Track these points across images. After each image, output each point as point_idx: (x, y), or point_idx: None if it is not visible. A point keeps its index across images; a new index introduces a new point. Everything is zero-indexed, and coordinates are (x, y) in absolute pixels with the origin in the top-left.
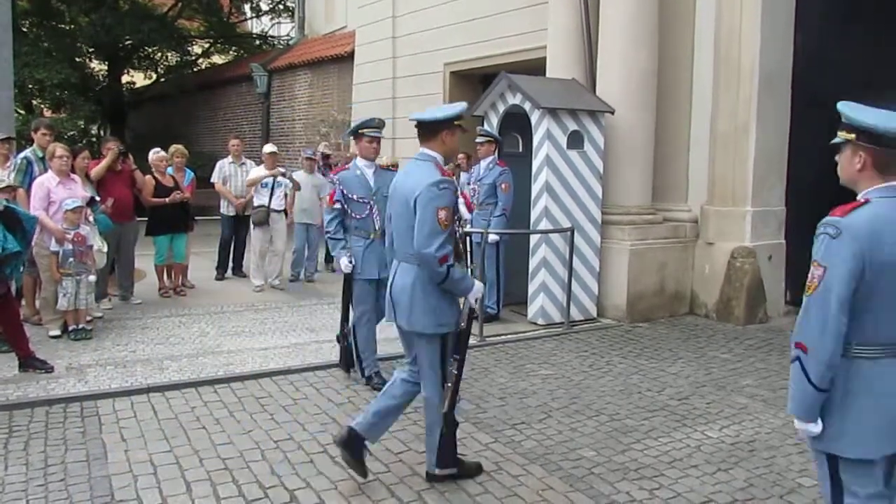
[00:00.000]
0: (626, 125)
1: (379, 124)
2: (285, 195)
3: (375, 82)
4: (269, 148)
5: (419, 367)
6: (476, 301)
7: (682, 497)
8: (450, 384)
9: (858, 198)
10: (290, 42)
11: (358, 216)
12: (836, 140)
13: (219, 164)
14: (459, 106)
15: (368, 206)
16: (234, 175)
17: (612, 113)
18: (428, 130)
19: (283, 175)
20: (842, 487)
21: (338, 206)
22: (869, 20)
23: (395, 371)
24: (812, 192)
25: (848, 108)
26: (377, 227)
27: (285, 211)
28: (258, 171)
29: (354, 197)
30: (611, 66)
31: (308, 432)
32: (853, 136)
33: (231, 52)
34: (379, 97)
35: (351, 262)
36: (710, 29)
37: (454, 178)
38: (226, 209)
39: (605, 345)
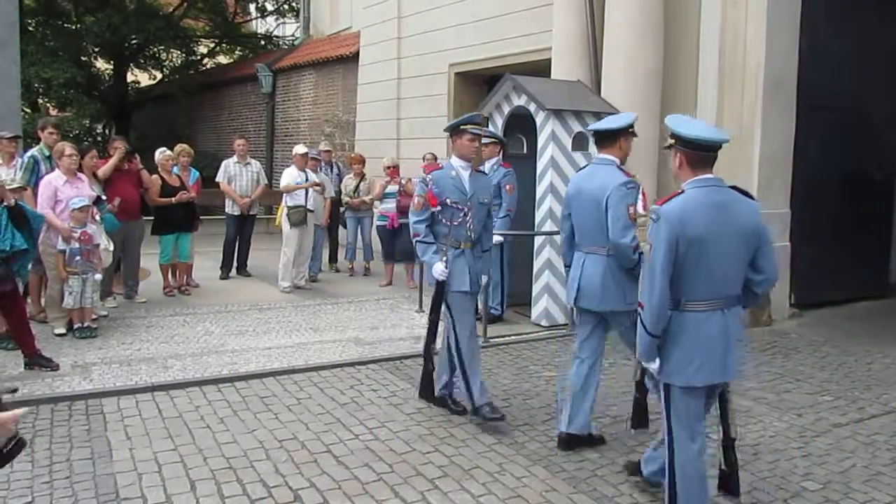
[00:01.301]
0: None
1: (482, 121)
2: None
3: (380, 83)
4: (300, 149)
5: (624, 339)
6: None
7: None
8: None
9: (680, 189)
10: (295, 42)
11: (449, 223)
12: (666, 145)
13: (224, 163)
14: (631, 115)
15: (462, 213)
16: (238, 175)
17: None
18: (607, 138)
19: (318, 185)
20: (671, 411)
21: (427, 211)
22: (871, 20)
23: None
24: (816, 194)
25: (670, 120)
26: (471, 237)
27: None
28: (291, 176)
29: (448, 201)
30: (616, 68)
31: (312, 432)
32: (673, 141)
33: (236, 52)
34: (384, 98)
35: (446, 269)
36: (716, 32)
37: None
38: (230, 209)
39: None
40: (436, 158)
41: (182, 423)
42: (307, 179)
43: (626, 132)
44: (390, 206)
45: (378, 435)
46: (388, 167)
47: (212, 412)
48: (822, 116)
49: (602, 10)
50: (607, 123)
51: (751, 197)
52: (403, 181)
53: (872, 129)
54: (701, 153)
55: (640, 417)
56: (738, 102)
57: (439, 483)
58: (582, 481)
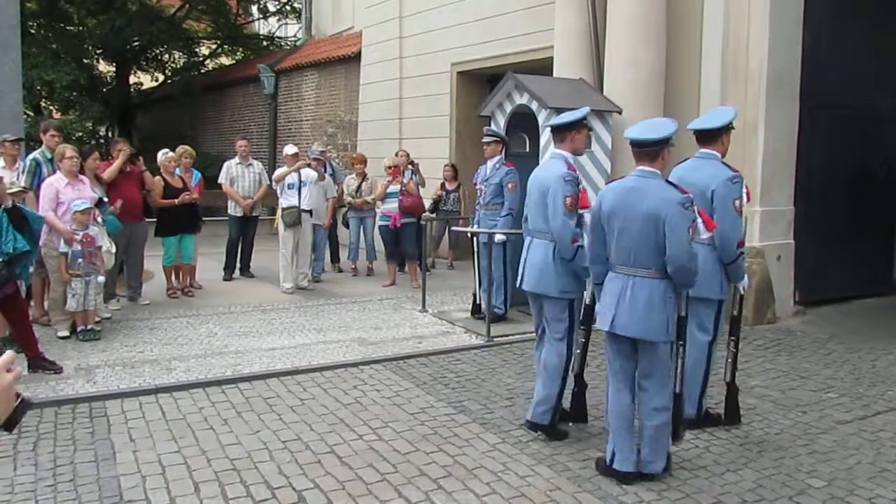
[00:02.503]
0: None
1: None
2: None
3: (382, 83)
4: (290, 149)
5: (550, 328)
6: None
7: (691, 498)
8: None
9: None
10: (298, 43)
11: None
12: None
13: (226, 164)
14: (584, 110)
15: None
16: (241, 176)
17: (620, 113)
18: (558, 133)
19: (309, 166)
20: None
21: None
22: (874, 18)
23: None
24: (820, 191)
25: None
26: None
27: (310, 212)
28: (283, 169)
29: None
30: (618, 65)
31: (316, 433)
32: (629, 141)
33: (238, 54)
34: (386, 97)
35: None
36: (719, 29)
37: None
38: (233, 210)
39: (600, 346)
40: (408, 156)
41: (186, 425)
42: (300, 180)
43: (578, 127)
44: (392, 206)
45: (382, 435)
46: (390, 167)
47: (215, 414)
48: (825, 114)
49: (604, 7)
50: (559, 119)
51: (681, 191)
52: (405, 181)
53: (875, 127)
54: (636, 149)
55: (579, 412)
56: (741, 100)
57: (443, 483)
58: (586, 480)
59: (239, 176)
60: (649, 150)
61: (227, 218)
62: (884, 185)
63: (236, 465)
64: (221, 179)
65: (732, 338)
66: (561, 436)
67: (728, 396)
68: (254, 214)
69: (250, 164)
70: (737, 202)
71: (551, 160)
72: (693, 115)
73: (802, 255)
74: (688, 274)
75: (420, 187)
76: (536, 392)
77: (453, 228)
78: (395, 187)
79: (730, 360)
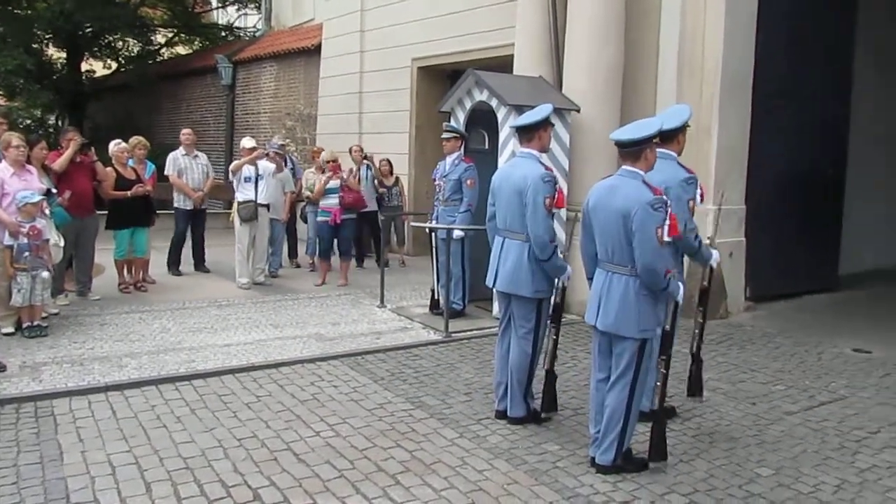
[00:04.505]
0: (591, 123)
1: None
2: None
3: (343, 76)
4: (247, 142)
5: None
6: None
7: (645, 488)
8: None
9: None
10: (257, 34)
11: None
12: None
13: (171, 156)
14: (548, 108)
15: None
16: (189, 168)
17: (579, 111)
18: (526, 132)
19: (268, 156)
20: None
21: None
22: (823, 20)
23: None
24: (771, 190)
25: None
26: None
27: (267, 206)
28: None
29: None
30: (577, 64)
31: (272, 430)
32: (614, 142)
33: (196, 43)
34: (346, 91)
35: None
36: (675, 29)
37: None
38: (181, 203)
39: (570, 340)
40: (362, 150)
41: (137, 424)
42: (257, 173)
43: (544, 125)
44: (333, 201)
45: (339, 431)
46: (329, 161)
47: (168, 412)
48: (777, 114)
49: (564, 6)
50: (526, 119)
51: (655, 192)
52: (345, 175)
53: (823, 126)
54: (620, 149)
55: (549, 402)
56: (696, 99)
57: (401, 478)
58: (543, 473)
59: (187, 167)
60: (631, 151)
61: (173, 211)
62: (831, 184)
63: (190, 464)
64: (169, 171)
65: (700, 308)
66: (537, 419)
67: (692, 367)
68: (202, 208)
69: (196, 156)
70: (690, 203)
71: (522, 159)
72: (650, 113)
73: (753, 252)
74: (653, 274)
75: (376, 182)
76: (498, 384)
77: (412, 224)
78: (335, 183)
79: (697, 330)
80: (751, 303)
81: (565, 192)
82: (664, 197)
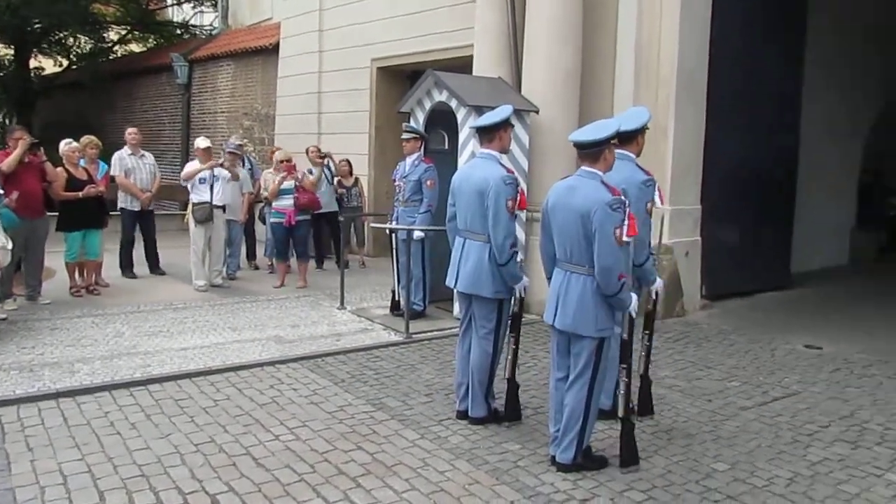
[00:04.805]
0: (550, 124)
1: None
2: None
3: (301, 76)
4: (202, 142)
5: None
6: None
7: (604, 486)
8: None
9: None
10: (213, 32)
11: None
12: None
13: (117, 155)
14: (508, 109)
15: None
16: (136, 168)
17: (538, 112)
18: (487, 133)
19: (222, 166)
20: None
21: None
22: (775, 26)
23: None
24: (725, 191)
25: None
26: None
27: (223, 207)
28: (193, 164)
29: None
30: (536, 65)
31: (230, 434)
32: (573, 143)
33: (150, 41)
34: (305, 91)
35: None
36: (632, 32)
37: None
38: (129, 204)
39: (530, 339)
40: (319, 151)
41: (90, 431)
42: (213, 174)
43: (505, 126)
44: (287, 202)
45: (299, 435)
46: (282, 161)
47: (123, 418)
48: (731, 116)
49: (523, 8)
50: (486, 120)
51: (613, 192)
52: (300, 175)
53: (775, 128)
54: (579, 150)
55: (513, 411)
56: (652, 101)
57: (362, 481)
58: (504, 472)
59: (135, 167)
60: (590, 152)
61: (118, 213)
62: (782, 185)
63: (145, 472)
64: (115, 171)
65: (646, 332)
66: (498, 418)
67: (642, 388)
68: (150, 209)
69: (143, 155)
70: (648, 205)
71: (483, 160)
72: (608, 115)
73: (709, 251)
74: (608, 275)
75: (335, 182)
76: (459, 385)
77: (372, 225)
78: (289, 183)
79: (643, 353)
80: (706, 301)
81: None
82: (623, 197)
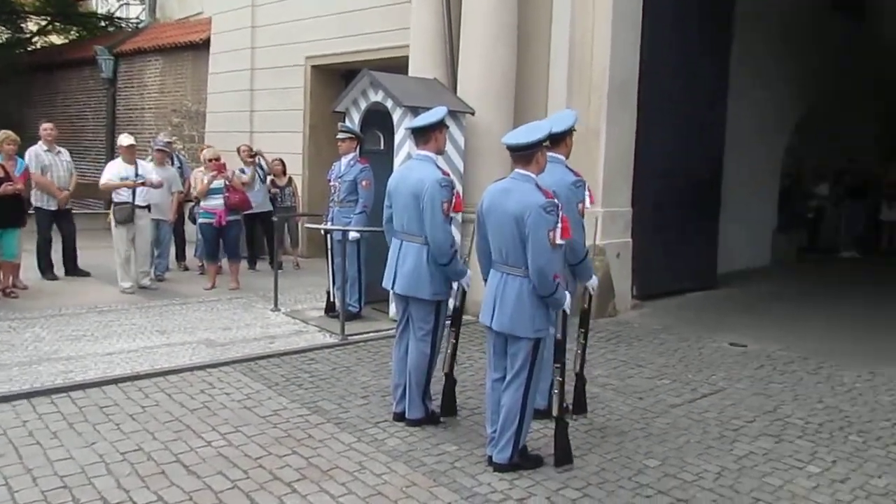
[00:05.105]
0: (486, 126)
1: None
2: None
3: (233, 73)
4: (125, 140)
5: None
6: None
7: (541, 485)
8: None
9: None
10: (140, 25)
11: None
12: None
13: (32, 151)
14: (442, 111)
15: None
16: (54, 165)
17: (473, 114)
18: (422, 135)
19: (143, 185)
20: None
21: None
22: (701, 33)
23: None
24: (654, 193)
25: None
26: None
27: (147, 207)
28: (114, 170)
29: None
30: (471, 67)
31: (159, 441)
32: (506, 146)
33: (72, 33)
34: (236, 88)
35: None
36: (566, 37)
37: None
38: (45, 203)
39: (465, 340)
40: (251, 150)
41: (7, 441)
42: (136, 173)
43: (440, 127)
44: (217, 202)
45: (232, 440)
46: (211, 160)
47: (43, 426)
48: (659, 119)
49: (459, 9)
50: (421, 121)
51: (546, 195)
52: (231, 174)
53: (702, 132)
54: (512, 153)
55: (449, 407)
56: (585, 105)
57: (297, 486)
58: (442, 474)
59: (52, 164)
60: (522, 154)
61: (33, 212)
62: (709, 187)
63: (67, 483)
64: (31, 168)
65: (582, 330)
66: (435, 420)
67: (577, 387)
68: (67, 207)
69: (59, 152)
70: (580, 206)
71: (419, 162)
72: (542, 117)
73: (639, 252)
74: (543, 276)
75: (269, 180)
76: (396, 386)
77: (307, 225)
78: (219, 183)
79: (579, 351)
80: (637, 301)
81: (461, 194)
82: (556, 200)
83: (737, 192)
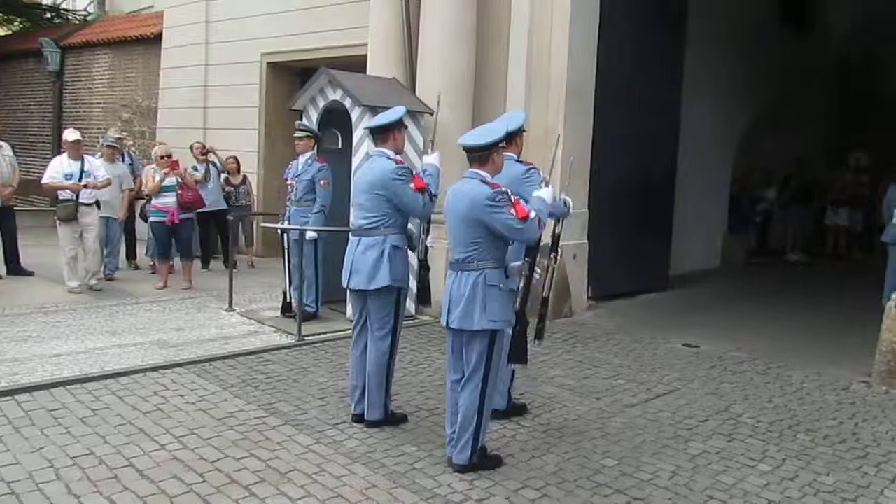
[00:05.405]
0: (444, 127)
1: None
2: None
3: (186, 68)
4: (71, 135)
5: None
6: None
7: (500, 485)
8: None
9: None
10: (88, 18)
11: None
12: None
13: None
14: (401, 110)
15: None
16: None
17: (432, 114)
18: (381, 133)
19: (86, 187)
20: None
21: None
22: (656, 38)
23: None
24: (609, 196)
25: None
26: None
27: (97, 203)
28: (59, 166)
29: None
30: (430, 67)
31: (111, 445)
32: (463, 147)
33: (16, 24)
34: (190, 84)
35: None
36: (524, 38)
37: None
38: None
39: (424, 341)
40: (204, 147)
41: None
42: (82, 171)
43: (399, 126)
44: (169, 200)
45: (187, 443)
46: (162, 157)
47: None
48: (614, 124)
49: (418, 8)
50: (380, 120)
51: (492, 186)
52: (184, 172)
53: (656, 136)
54: (468, 154)
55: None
56: (543, 108)
57: (255, 489)
58: (402, 475)
59: None
60: (478, 155)
61: None
62: (663, 190)
63: (15, 489)
64: None
65: (527, 259)
66: (395, 421)
67: (517, 328)
68: (10, 204)
69: (1, 146)
70: (541, 185)
71: (376, 158)
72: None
73: (595, 254)
74: (529, 235)
75: (223, 178)
76: (354, 388)
77: (264, 225)
78: (172, 180)
79: (522, 284)
80: (593, 302)
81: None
82: (502, 188)
83: (689, 195)
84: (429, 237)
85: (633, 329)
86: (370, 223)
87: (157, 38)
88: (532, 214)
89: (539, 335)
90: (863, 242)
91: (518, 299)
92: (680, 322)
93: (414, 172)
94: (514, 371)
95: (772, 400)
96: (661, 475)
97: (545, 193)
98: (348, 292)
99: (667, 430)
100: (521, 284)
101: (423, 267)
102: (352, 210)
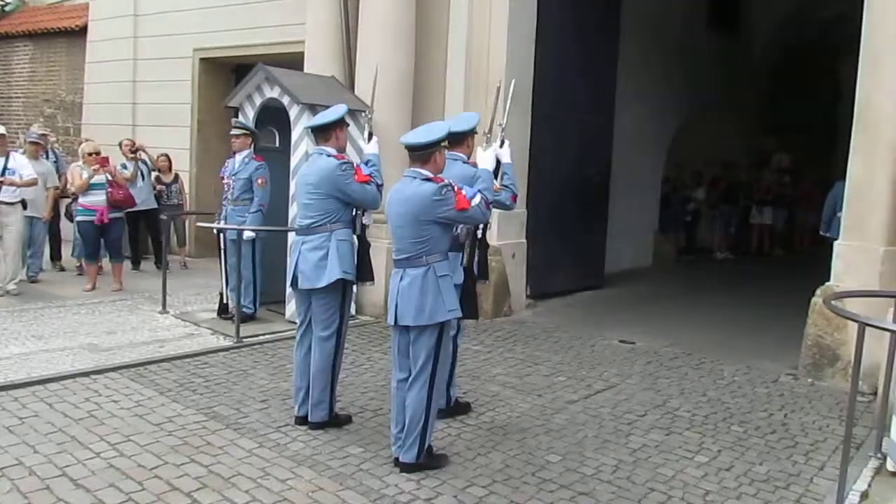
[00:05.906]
0: (383, 126)
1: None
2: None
3: (113, 62)
4: None
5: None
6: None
7: (447, 484)
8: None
9: None
10: (6, 8)
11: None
12: None
13: None
14: (343, 108)
15: None
16: None
17: (367, 111)
18: (322, 132)
19: (12, 184)
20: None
21: None
22: (593, 41)
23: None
24: (546, 196)
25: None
26: None
27: (23, 203)
28: None
29: None
30: (369, 65)
31: (42, 455)
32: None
33: None
34: (117, 79)
35: None
36: (463, 41)
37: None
38: None
39: (365, 341)
40: (133, 144)
41: None
42: (5, 167)
43: (340, 125)
44: (99, 198)
45: (123, 451)
46: (91, 154)
47: None
48: (552, 125)
49: (356, 7)
50: (321, 118)
51: (436, 181)
52: (112, 169)
53: (591, 138)
54: (410, 153)
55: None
56: (482, 109)
57: (198, 496)
58: (348, 477)
59: None
60: (419, 154)
61: None
62: (598, 191)
63: None
64: None
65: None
66: (344, 421)
67: (466, 283)
68: None
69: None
70: (495, 185)
71: (318, 156)
72: (439, 118)
73: (533, 253)
74: (477, 220)
75: (154, 176)
76: (298, 389)
77: (199, 224)
78: (101, 178)
79: (468, 241)
80: (531, 300)
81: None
82: (445, 181)
83: (622, 195)
84: (366, 214)
85: (571, 327)
86: (314, 222)
87: (83, 31)
88: (477, 200)
89: (483, 275)
90: (784, 240)
91: (465, 255)
92: (616, 319)
93: (356, 165)
94: (453, 370)
95: (706, 393)
96: (603, 469)
97: (491, 157)
98: (290, 292)
99: (608, 426)
100: (468, 242)
101: (363, 243)
102: (292, 210)
